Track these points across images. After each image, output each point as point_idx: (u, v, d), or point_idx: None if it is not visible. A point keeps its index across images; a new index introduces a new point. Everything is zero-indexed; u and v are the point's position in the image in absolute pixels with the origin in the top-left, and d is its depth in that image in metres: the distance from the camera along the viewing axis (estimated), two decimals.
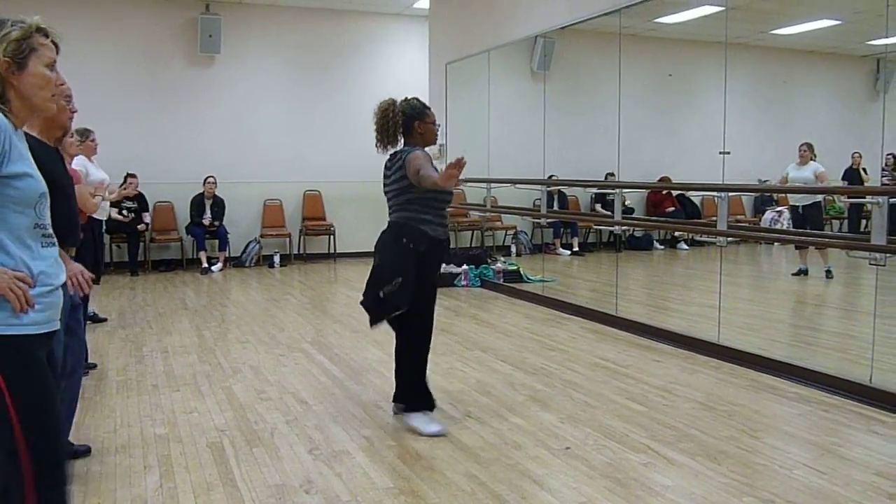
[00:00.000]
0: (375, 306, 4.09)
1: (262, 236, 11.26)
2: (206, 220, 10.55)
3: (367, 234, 11.16)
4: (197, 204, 10.63)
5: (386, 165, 4.21)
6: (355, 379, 5.10)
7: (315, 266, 11.14)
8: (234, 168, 11.09)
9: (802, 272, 8.77)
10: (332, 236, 11.63)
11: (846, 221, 9.76)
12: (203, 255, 10.55)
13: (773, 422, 4.25)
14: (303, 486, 3.35)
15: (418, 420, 4.09)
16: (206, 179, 10.60)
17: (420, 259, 4.05)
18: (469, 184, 9.18)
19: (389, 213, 4.19)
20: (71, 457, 3.68)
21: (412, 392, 4.19)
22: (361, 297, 4.22)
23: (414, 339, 4.18)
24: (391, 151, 4.20)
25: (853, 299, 8.22)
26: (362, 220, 11.37)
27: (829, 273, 8.66)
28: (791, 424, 4.22)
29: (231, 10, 10.98)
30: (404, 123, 4.14)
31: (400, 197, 4.09)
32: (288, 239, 11.40)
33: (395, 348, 4.25)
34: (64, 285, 2.18)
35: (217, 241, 10.75)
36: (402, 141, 4.19)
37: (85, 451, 3.78)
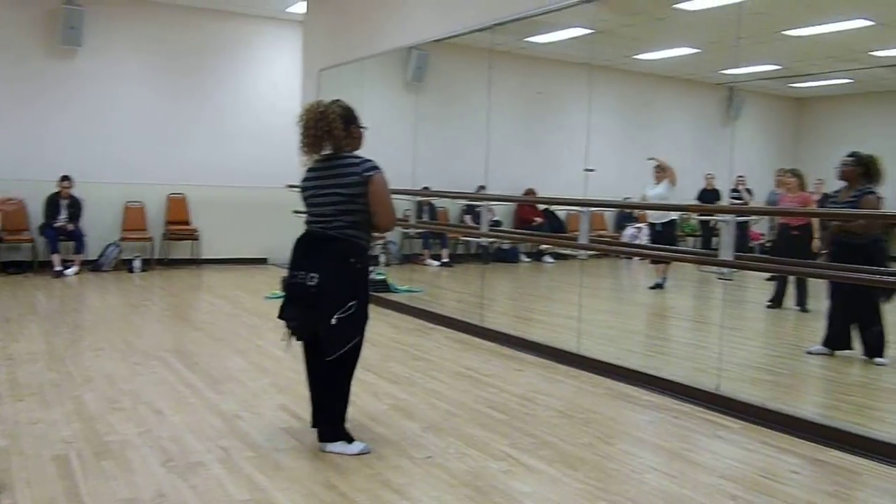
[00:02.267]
0: (331, 334, 3.70)
1: (122, 239, 10.76)
2: (61, 221, 10.01)
3: (234, 240, 11.11)
4: (51, 204, 10.08)
5: (314, 168, 3.88)
6: (215, 388, 4.94)
7: (178, 272, 10.76)
8: (93, 167, 10.55)
9: (658, 286, 9.20)
10: (196, 241, 11.27)
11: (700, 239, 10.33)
12: (56, 258, 9.98)
13: (628, 428, 4.42)
14: (154, 500, 3.20)
15: (342, 447, 3.82)
16: (61, 178, 10.07)
17: (365, 279, 3.87)
18: None
19: (321, 223, 3.80)
20: None
21: (340, 422, 3.88)
22: (287, 319, 3.83)
23: (350, 366, 3.88)
24: (324, 154, 3.85)
25: (703, 312, 8.67)
26: (229, 225, 11.09)
27: (660, 286, 9.19)
28: (644, 431, 4.40)
29: (96, 3, 10.47)
30: (343, 127, 3.82)
31: (341, 207, 3.77)
32: (150, 243, 10.97)
33: (321, 375, 3.87)
34: None
35: (73, 244, 10.21)
36: (330, 145, 3.83)
37: None
